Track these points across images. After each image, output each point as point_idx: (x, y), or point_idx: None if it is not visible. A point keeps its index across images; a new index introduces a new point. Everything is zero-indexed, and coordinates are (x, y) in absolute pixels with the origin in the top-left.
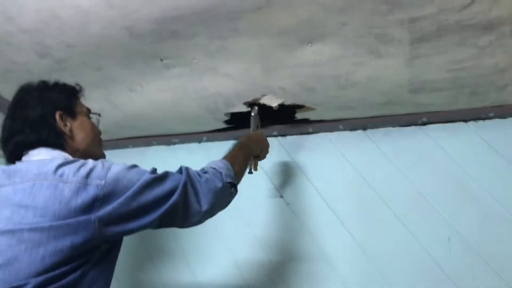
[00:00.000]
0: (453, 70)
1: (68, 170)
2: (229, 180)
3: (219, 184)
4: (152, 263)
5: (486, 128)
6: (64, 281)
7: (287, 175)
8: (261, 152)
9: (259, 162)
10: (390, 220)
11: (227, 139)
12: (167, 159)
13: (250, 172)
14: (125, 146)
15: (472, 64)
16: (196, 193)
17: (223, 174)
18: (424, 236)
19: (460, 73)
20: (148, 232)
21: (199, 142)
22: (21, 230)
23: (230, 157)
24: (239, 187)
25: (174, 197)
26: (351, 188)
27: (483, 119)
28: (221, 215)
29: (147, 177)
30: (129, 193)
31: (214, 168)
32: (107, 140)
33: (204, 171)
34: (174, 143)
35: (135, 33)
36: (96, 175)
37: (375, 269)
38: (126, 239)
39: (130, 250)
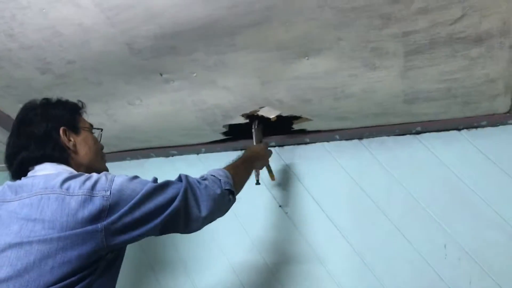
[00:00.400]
0: (445, 80)
1: (74, 183)
2: (227, 187)
3: (218, 191)
4: (153, 274)
5: (479, 136)
6: None
7: (285, 184)
8: (264, 163)
9: (260, 172)
10: (386, 227)
11: (225, 150)
12: (166, 171)
13: (258, 183)
14: (124, 159)
15: (464, 75)
16: (196, 200)
17: (222, 181)
18: (421, 243)
19: (453, 83)
20: (148, 243)
21: (198, 153)
22: (30, 243)
23: (231, 167)
24: (238, 197)
25: (175, 203)
26: (348, 196)
27: (476, 127)
28: (220, 224)
29: (149, 186)
30: (133, 202)
31: (214, 176)
32: (107, 153)
33: (203, 178)
34: (173, 155)
35: (135, 49)
36: (101, 187)
37: (372, 276)
38: (127, 251)
39: (131, 262)
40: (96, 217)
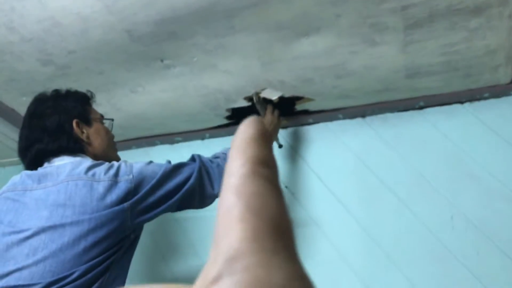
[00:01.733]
0: (446, 53)
1: (98, 170)
2: None
3: None
4: (163, 260)
5: (482, 108)
6: (100, 267)
7: (290, 166)
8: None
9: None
10: (392, 203)
11: (230, 134)
12: (171, 158)
13: (280, 146)
14: (129, 148)
15: (464, 47)
16: (210, 178)
17: None
18: (427, 217)
19: (454, 56)
20: (158, 228)
21: (202, 139)
22: (62, 225)
23: None
24: None
25: (191, 182)
26: (353, 174)
27: (479, 99)
28: None
29: (167, 167)
30: (154, 182)
31: (225, 153)
32: None
33: (216, 156)
34: (177, 142)
35: (135, 36)
36: (123, 173)
37: (380, 252)
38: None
39: (141, 248)
40: (122, 199)
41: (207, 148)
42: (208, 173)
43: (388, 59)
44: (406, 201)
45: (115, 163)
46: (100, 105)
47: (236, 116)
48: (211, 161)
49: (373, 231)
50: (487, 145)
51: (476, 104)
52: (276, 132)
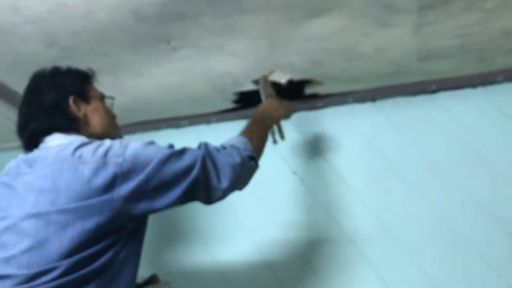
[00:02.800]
0: (460, 35)
1: (86, 151)
2: (247, 154)
3: (238, 159)
4: (170, 247)
5: (495, 93)
6: (97, 263)
7: (299, 151)
8: (283, 117)
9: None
10: (404, 189)
11: (237, 119)
12: (177, 142)
13: (274, 142)
14: (134, 132)
15: (479, 29)
16: (216, 168)
17: (242, 148)
18: (439, 203)
19: (468, 38)
20: (165, 215)
21: (208, 123)
22: (48, 213)
23: (246, 132)
24: None
25: (195, 171)
26: (363, 160)
27: (492, 83)
28: (235, 195)
29: (165, 152)
30: (149, 169)
31: (232, 144)
32: None
33: (223, 147)
34: (183, 126)
35: (141, 16)
36: (114, 154)
37: (392, 239)
38: None
39: (148, 235)
40: (110, 185)
41: (213, 133)
42: (214, 163)
43: (401, 41)
44: (416, 186)
45: (107, 142)
46: (105, 88)
47: (243, 100)
48: (218, 150)
49: (382, 217)
50: (499, 130)
51: (489, 88)
52: (277, 112)
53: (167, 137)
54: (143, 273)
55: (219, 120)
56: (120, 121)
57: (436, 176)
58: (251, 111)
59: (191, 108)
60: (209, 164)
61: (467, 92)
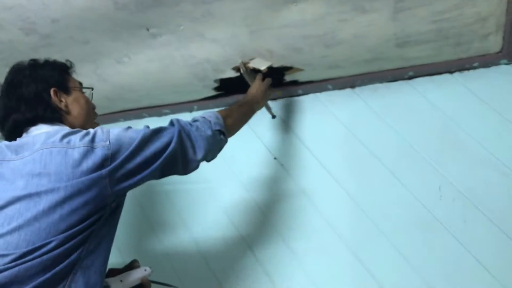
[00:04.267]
0: (436, 21)
1: (74, 137)
2: (217, 128)
3: (209, 132)
4: (153, 231)
5: (471, 78)
6: (79, 237)
7: (280, 137)
8: (264, 103)
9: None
10: (382, 173)
11: (218, 106)
12: None
13: (273, 117)
14: (116, 120)
15: (455, 14)
16: (191, 141)
17: (212, 122)
18: (416, 186)
19: (444, 24)
20: (147, 199)
21: (190, 111)
22: (38, 194)
23: (225, 110)
24: (233, 152)
25: (172, 146)
26: (343, 145)
27: (468, 69)
28: (217, 178)
29: (145, 132)
30: (133, 148)
31: (204, 117)
32: (99, 115)
33: (194, 120)
34: (165, 114)
35: (119, 3)
36: (99, 139)
37: (370, 222)
38: (125, 210)
39: (130, 221)
40: (99, 166)
41: None
42: (189, 136)
43: (378, 28)
44: (394, 171)
45: (92, 130)
46: (86, 76)
47: (224, 88)
48: (190, 124)
49: (362, 201)
50: (476, 115)
51: (466, 73)
52: (265, 98)
53: (150, 125)
54: (125, 258)
55: (201, 108)
56: (102, 109)
57: (413, 161)
58: (232, 99)
59: (173, 96)
60: (185, 138)
61: (444, 78)
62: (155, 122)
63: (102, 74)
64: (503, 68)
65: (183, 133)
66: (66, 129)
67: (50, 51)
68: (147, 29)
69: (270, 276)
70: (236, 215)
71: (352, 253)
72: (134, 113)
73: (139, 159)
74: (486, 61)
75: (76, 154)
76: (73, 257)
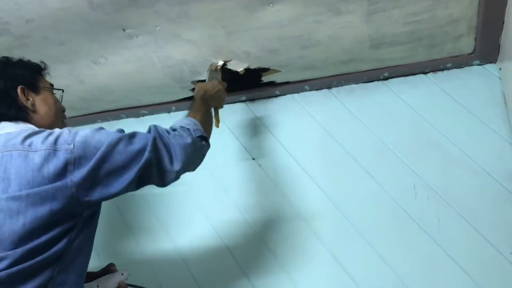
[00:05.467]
0: (410, 23)
1: (36, 139)
2: (198, 134)
3: (188, 140)
4: (131, 234)
5: (445, 79)
6: (51, 251)
7: (258, 138)
8: (219, 102)
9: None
10: (357, 172)
11: None
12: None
13: (216, 126)
14: (94, 121)
15: (428, 16)
16: (168, 149)
17: (191, 129)
18: (391, 185)
19: (417, 25)
20: (125, 202)
21: (168, 112)
22: None
23: (193, 112)
24: (211, 153)
25: (146, 155)
26: (319, 145)
27: (442, 70)
28: (195, 180)
29: (115, 136)
30: (99, 154)
31: (181, 126)
32: (75, 116)
33: (173, 129)
34: (143, 115)
35: (94, 3)
36: (63, 141)
37: (346, 220)
38: (102, 212)
39: (108, 222)
40: (62, 172)
41: (173, 121)
42: (165, 144)
43: (353, 29)
44: (370, 170)
45: (57, 130)
46: (62, 77)
47: None
48: (168, 132)
49: (338, 200)
50: (449, 115)
51: (439, 74)
52: (217, 97)
53: (128, 127)
54: (103, 260)
55: (179, 109)
56: (79, 111)
57: (389, 160)
58: None
59: (151, 97)
60: (161, 146)
61: (419, 78)
62: (133, 123)
63: (78, 75)
64: (476, 69)
65: (158, 141)
66: (29, 129)
67: (24, 52)
68: (123, 30)
69: (244, 270)
70: (215, 216)
71: (328, 250)
72: (112, 114)
73: (108, 166)
74: (459, 62)
75: (37, 158)
76: (48, 272)
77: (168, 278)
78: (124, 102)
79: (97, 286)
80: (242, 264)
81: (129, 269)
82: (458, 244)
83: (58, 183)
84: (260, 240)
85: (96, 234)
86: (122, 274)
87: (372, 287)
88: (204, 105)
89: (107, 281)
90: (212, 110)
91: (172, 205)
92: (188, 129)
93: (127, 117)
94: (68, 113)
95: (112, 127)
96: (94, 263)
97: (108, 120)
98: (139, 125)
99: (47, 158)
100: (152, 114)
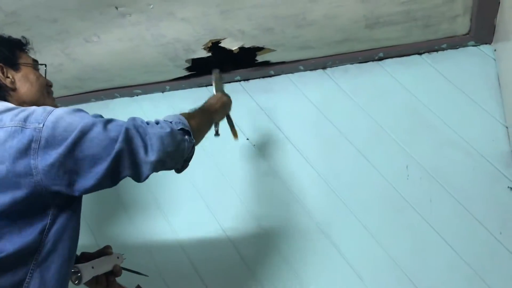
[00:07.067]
0: (405, 2)
1: (6, 116)
2: (179, 127)
3: (167, 129)
4: (127, 215)
5: (440, 59)
6: (22, 245)
7: (252, 118)
8: (225, 112)
9: (221, 124)
10: (351, 153)
11: (190, 87)
12: (131, 111)
13: (217, 134)
14: (88, 100)
15: None
16: (143, 139)
17: (173, 122)
18: (384, 166)
19: (412, 5)
20: (121, 184)
21: (162, 91)
22: None
23: (187, 113)
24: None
25: (118, 145)
26: (314, 126)
27: (437, 50)
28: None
29: (89, 120)
30: (71, 139)
31: (165, 120)
32: (69, 95)
33: (156, 121)
34: (137, 94)
35: None
36: (34, 119)
37: (339, 200)
38: (98, 193)
39: (103, 204)
40: (24, 149)
41: (167, 101)
42: (140, 134)
43: (348, 8)
44: (363, 151)
45: (31, 108)
46: (55, 56)
47: (196, 68)
48: (147, 122)
49: (331, 180)
50: (443, 95)
51: (434, 55)
52: (223, 112)
53: (122, 106)
54: (98, 240)
55: (173, 88)
56: (72, 90)
57: (382, 141)
58: (204, 79)
59: (145, 76)
60: (135, 135)
61: (413, 59)
62: (127, 103)
63: (71, 54)
64: (471, 50)
65: (132, 130)
66: (4, 106)
67: (16, 30)
68: (116, 8)
69: (241, 255)
70: (211, 197)
71: (321, 231)
72: (106, 93)
73: (79, 153)
74: (454, 42)
75: (2, 133)
76: (23, 263)
77: (164, 258)
78: (118, 81)
79: (92, 267)
80: (239, 247)
81: (124, 254)
82: (449, 224)
83: (21, 166)
84: (254, 219)
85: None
86: (118, 258)
87: (364, 267)
88: (203, 113)
89: (102, 263)
90: (226, 121)
91: (168, 186)
92: (171, 122)
93: (121, 96)
94: (61, 92)
95: (106, 106)
96: (90, 242)
97: (102, 99)
98: (134, 104)
99: (12, 134)
100: (146, 93)
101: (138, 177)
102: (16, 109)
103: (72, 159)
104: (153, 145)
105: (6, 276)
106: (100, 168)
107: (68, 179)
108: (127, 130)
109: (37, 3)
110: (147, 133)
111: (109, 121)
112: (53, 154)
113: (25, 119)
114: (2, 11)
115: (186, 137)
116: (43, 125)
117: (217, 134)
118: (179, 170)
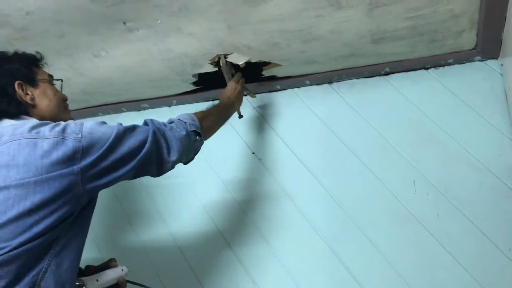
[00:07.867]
0: (411, 18)
1: (43, 128)
2: (192, 129)
3: (183, 132)
4: (129, 225)
5: (446, 74)
6: (49, 234)
7: (258, 132)
8: (241, 98)
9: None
10: (357, 168)
11: (197, 101)
12: None
13: (240, 116)
14: (95, 114)
15: (429, 11)
16: (166, 141)
17: (187, 123)
18: (391, 181)
19: (418, 20)
20: (125, 195)
21: (169, 106)
22: (7, 187)
23: (201, 112)
24: (212, 145)
25: (147, 146)
26: (320, 140)
27: (443, 65)
28: (195, 173)
29: (120, 128)
30: (107, 145)
31: (179, 119)
32: (77, 110)
33: (170, 121)
34: (144, 108)
35: None
36: (71, 131)
37: (345, 215)
38: (102, 204)
39: (108, 214)
40: (70, 158)
41: (174, 115)
42: (164, 136)
43: (354, 24)
44: (370, 165)
45: (62, 122)
46: (63, 70)
47: (203, 82)
48: (164, 124)
49: (337, 195)
50: (450, 110)
51: (441, 70)
52: (239, 100)
53: (128, 120)
54: (103, 252)
55: (180, 103)
56: (80, 103)
57: (389, 155)
58: (211, 93)
59: (152, 91)
60: (160, 138)
61: (420, 74)
62: (133, 117)
63: (79, 68)
64: (477, 65)
65: (158, 133)
66: (34, 121)
67: (25, 45)
68: (124, 23)
69: (247, 270)
70: (214, 209)
71: (328, 246)
72: (113, 108)
73: (114, 156)
74: (461, 57)
75: (46, 145)
76: (42, 254)
77: (166, 269)
78: (125, 95)
79: (97, 280)
80: (241, 257)
81: (129, 264)
82: (457, 240)
83: (64, 170)
84: (259, 234)
85: (96, 227)
86: (122, 270)
87: (370, 282)
88: (218, 109)
89: (107, 275)
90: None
91: (172, 197)
92: (185, 122)
93: (127, 110)
94: (69, 106)
95: (113, 120)
96: (94, 255)
97: (109, 113)
98: (140, 118)
99: (56, 146)
100: (152, 107)
101: (159, 174)
102: (49, 123)
103: (108, 160)
104: (174, 146)
105: (29, 265)
106: (128, 166)
107: (100, 176)
108: (154, 133)
109: (47, 18)
110: (168, 136)
111: (134, 127)
112: (92, 157)
113: (63, 131)
114: (12, 26)
115: (197, 137)
116: (82, 135)
117: (240, 116)
118: (186, 163)
